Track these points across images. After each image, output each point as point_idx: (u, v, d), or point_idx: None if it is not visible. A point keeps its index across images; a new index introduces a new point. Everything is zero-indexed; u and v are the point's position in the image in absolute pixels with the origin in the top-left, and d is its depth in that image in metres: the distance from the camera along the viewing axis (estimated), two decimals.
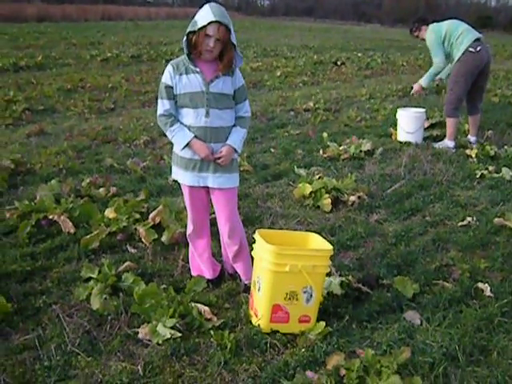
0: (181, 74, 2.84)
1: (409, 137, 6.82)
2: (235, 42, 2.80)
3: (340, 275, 3.31)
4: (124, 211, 3.79)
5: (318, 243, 2.92)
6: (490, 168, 5.72)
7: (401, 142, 6.82)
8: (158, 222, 3.73)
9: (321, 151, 6.19)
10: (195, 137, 2.85)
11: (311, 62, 15.34)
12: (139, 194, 4.29)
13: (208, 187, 3.01)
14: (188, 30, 2.77)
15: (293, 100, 9.59)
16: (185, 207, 3.28)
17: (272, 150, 6.30)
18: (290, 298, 2.74)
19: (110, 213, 3.84)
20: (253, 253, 2.91)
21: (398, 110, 7.02)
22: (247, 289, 3.11)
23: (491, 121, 7.99)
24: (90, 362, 2.52)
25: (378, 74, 14.21)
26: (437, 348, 2.72)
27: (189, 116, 2.87)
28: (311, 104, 9.03)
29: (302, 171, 5.46)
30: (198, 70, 2.83)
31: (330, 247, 2.80)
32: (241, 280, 3.23)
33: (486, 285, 3.32)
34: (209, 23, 2.69)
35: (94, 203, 4.19)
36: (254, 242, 2.91)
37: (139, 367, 2.48)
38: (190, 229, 3.19)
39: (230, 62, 2.84)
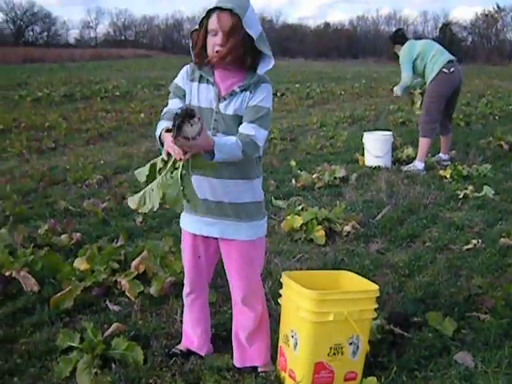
0: (192, 80, 2.20)
1: (378, 161, 6.55)
2: (254, 32, 2.03)
3: None
4: (99, 261, 3.16)
5: (356, 283, 2.45)
6: (470, 188, 5.50)
7: (370, 167, 6.53)
8: (142, 270, 3.13)
9: (293, 180, 5.78)
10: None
11: None
12: (113, 240, 3.67)
13: (216, 238, 2.30)
14: (192, 30, 2.14)
15: None
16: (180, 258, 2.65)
17: None
18: (334, 354, 2.23)
19: (80, 264, 3.20)
20: (281, 300, 2.39)
21: (365, 133, 6.76)
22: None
23: None
24: None
25: (321, 103, 14.18)
26: None
27: None
28: None
29: (281, 203, 5.01)
30: (212, 80, 2.17)
31: (375, 286, 2.34)
32: (255, 369, 2.44)
33: None
34: (208, 13, 2.04)
35: (57, 253, 3.53)
36: (281, 288, 2.41)
37: None
38: (185, 291, 2.50)
39: (241, 61, 2.07)
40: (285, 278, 2.34)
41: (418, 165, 6.44)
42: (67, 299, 2.91)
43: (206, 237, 2.30)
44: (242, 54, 2.07)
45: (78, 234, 3.87)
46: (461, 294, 3.23)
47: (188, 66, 2.24)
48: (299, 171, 6.06)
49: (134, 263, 3.16)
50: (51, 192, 5.40)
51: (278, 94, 15.29)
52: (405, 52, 6.40)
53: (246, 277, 2.32)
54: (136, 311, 2.93)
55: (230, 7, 2.00)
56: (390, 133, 6.80)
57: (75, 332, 2.61)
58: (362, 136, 6.83)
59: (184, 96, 2.21)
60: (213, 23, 2.05)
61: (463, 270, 3.61)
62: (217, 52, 2.06)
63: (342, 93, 16.48)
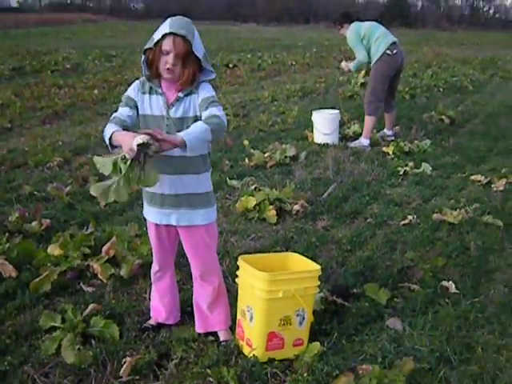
0: (144, 93, 2.58)
1: (326, 138, 6.96)
2: (200, 55, 2.47)
3: None
4: (72, 247, 3.47)
5: (301, 263, 2.86)
6: (410, 164, 5.99)
7: (319, 144, 6.94)
8: (112, 255, 3.46)
9: (246, 160, 6.12)
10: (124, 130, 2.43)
11: None
12: (82, 225, 3.96)
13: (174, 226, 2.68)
14: (145, 47, 2.50)
15: None
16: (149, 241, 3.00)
17: None
18: (284, 324, 2.65)
19: (54, 250, 3.50)
20: (238, 280, 2.78)
21: (313, 112, 7.13)
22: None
23: None
24: None
25: (272, 74, 14.43)
26: (428, 352, 2.77)
27: None
28: None
29: (235, 182, 5.36)
30: (160, 91, 2.57)
31: (318, 266, 2.75)
32: (217, 339, 2.84)
33: (450, 282, 3.44)
34: (163, 36, 2.42)
35: (29, 239, 3.81)
36: (237, 269, 2.79)
37: None
38: (154, 268, 2.91)
39: (189, 78, 2.49)
40: (241, 262, 2.73)
41: (364, 141, 6.90)
42: (45, 283, 3.22)
43: (166, 224, 2.70)
44: (191, 71, 2.50)
45: (48, 220, 4.13)
46: (395, 267, 3.70)
47: (138, 81, 2.65)
48: (252, 150, 6.40)
49: (104, 248, 3.48)
50: (14, 176, 5.57)
51: (230, 66, 15.48)
52: (352, 33, 6.79)
53: (201, 257, 2.75)
54: (109, 292, 3.27)
55: (184, 34, 2.41)
56: (337, 111, 7.21)
57: (56, 313, 2.94)
58: (311, 113, 7.21)
59: (135, 106, 2.59)
60: (167, 45, 2.44)
61: (398, 245, 4.08)
62: (168, 69, 2.48)
63: (293, 63, 16.77)
